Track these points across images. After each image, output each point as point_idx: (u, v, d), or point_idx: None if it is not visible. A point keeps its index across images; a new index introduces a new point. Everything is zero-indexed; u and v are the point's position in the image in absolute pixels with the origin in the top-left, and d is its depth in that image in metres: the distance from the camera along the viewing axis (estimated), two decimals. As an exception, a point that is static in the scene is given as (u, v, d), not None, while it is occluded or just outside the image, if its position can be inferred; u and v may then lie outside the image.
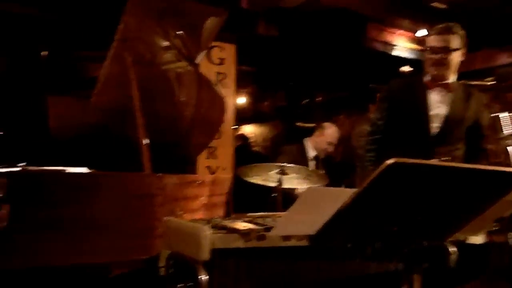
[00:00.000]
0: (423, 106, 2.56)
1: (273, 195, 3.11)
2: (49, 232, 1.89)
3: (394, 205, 1.39)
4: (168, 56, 3.13)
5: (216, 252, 1.55)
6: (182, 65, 3.19)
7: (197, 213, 2.58)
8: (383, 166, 1.22)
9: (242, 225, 1.68)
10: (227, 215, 2.94)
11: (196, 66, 3.34)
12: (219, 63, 4.11)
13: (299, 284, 1.66)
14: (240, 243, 1.57)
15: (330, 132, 3.92)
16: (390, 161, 1.20)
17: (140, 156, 2.37)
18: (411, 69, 5.38)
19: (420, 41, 5.45)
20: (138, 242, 2.15)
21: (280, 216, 1.90)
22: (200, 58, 3.28)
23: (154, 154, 2.67)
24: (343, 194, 1.28)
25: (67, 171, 2.13)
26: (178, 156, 3.24)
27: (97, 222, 2.03)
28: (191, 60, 3.24)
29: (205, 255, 1.50)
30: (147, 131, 2.59)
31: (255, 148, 7.27)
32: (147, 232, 2.16)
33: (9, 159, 2.56)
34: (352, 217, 1.44)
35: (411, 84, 2.67)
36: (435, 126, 2.54)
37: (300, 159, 3.70)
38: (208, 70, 3.97)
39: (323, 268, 1.75)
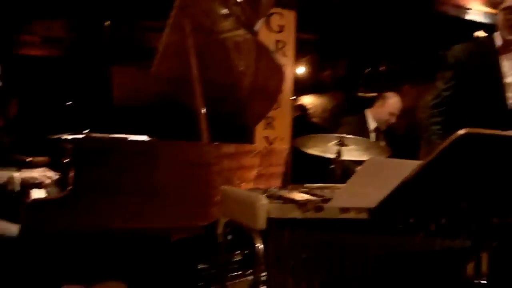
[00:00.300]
0: (496, 74, 2.37)
1: (331, 166, 3.05)
2: (112, 197, 1.97)
3: (463, 179, 1.31)
4: (227, 24, 3.10)
5: (272, 222, 1.55)
6: (240, 33, 3.14)
7: (254, 183, 2.59)
8: (454, 136, 1.14)
9: (299, 195, 1.66)
10: (284, 186, 2.94)
11: (255, 34, 3.29)
12: (278, 31, 4.02)
13: (356, 258, 1.62)
14: (297, 214, 1.56)
15: (392, 102, 3.75)
16: (462, 132, 1.12)
17: (198, 125, 2.39)
18: (486, 34, 5.00)
19: (496, 4, 5.02)
20: (196, 209, 2.19)
21: (339, 188, 1.85)
22: (259, 26, 3.22)
23: (212, 123, 2.69)
24: (407, 166, 1.21)
25: (128, 139, 2.19)
26: (236, 126, 3.24)
27: (157, 188, 2.09)
28: (250, 28, 3.19)
29: (261, 224, 1.50)
30: (205, 100, 2.59)
31: (314, 119, 7.17)
32: (204, 199, 2.19)
33: (77, 127, 2.69)
34: (416, 191, 1.37)
35: (480, 50, 2.47)
36: (510, 95, 2.35)
37: (360, 130, 3.58)
38: (267, 37, 3.90)
39: (382, 243, 1.70)
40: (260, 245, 1.50)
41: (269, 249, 1.58)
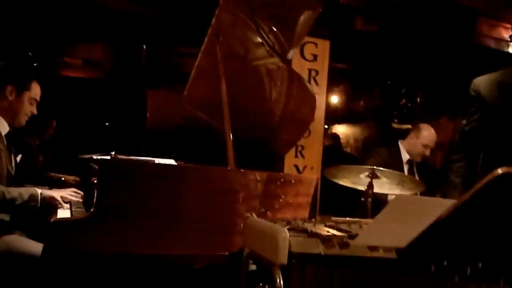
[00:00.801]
0: None
1: (362, 199, 2.95)
2: (135, 220, 1.94)
3: (501, 219, 1.21)
4: (261, 51, 3.11)
5: (295, 256, 1.48)
6: (274, 61, 3.15)
7: (281, 212, 2.52)
8: (492, 175, 1.06)
9: (324, 230, 1.59)
10: (311, 217, 2.85)
11: (288, 62, 3.29)
12: (312, 60, 4.01)
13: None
14: (320, 249, 1.48)
15: (426, 134, 3.62)
16: (501, 170, 1.04)
17: (225, 151, 2.37)
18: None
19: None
20: (220, 237, 2.14)
21: (367, 224, 1.77)
22: (292, 54, 3.22)
23: (242, 150, 2.66)
24: (437, 205, 1.13)
25: (154, 162, 2.18)
26: (266, 153, 3.21)
27: (182, 213, 2.06)
28: (283, 56, 3.19)
29: (283, 258, 1.43)
30: (236, 126, 2.57)
31: (346, 149, 7.06)
32: (229, 227, 2.14)
33: (109, 148, 2.71)
34: (450, 232, 1.28)
35: (505, 79, 2.34)
36: None
37: (393, 162, 3.47)
38: (300, 66, 3.90)
39: (413, 285, 1.59)
40: (280, 281, 1.42)
41: (291, 285, 1.51)
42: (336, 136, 5.56)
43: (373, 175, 2.87)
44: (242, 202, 2.18)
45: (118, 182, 1.90)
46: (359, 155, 6.50)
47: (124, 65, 6.27)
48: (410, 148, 3.65)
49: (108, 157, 2.09)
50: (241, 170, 2.26)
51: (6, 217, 2.13)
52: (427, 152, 3.63)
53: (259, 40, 3.02)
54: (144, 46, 5.55)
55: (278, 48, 3.16)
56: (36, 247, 1.93)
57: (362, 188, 2.96)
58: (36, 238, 2.02)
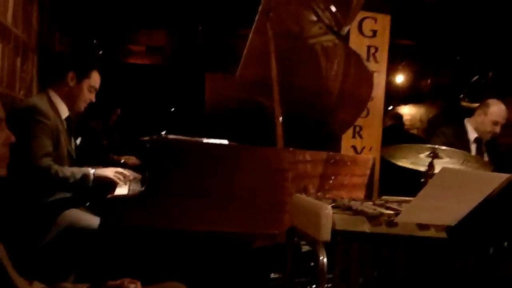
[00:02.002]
0: None
1: (422, 180, 2.82)
2: (185, 198, 2.00)
3: None
4: (316, 29, 3.05)
5: (339, 234, 1.45)
6: (329, 39, 3.07)
7: (332, 193, 2.48)
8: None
9: (371, 208, 1.54)
10: (368, 198, 2.78)
11: (344, 39, 3.19)
12: (371, 36, 3.85)
13: (434, 280, 1.46)
14: (366, 227, 1.44)
15: (495, 109, 3.36)
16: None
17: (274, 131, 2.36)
18: None
19: None
20: (270, 215, 2.16)
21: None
22: (346, 30, 3.12)
23: (298, 130, 2.63)
24: (490, 179, 1.04)
25: (202, 141, 2.22)
26: (323, 133, 3.16)
27: (233, 192, 2.09)
28: (339, 33, 3.11)
29: (326, 235, 1.41)
30: (290, 106, 2.55)
31: (413, 131, 6.77)
32: (278, 206, 2.15)
33: (172, 131, 2.79)
34: (507, 209, 1.19)
35: None
36: None
37: (459, 142, 3.27)
38: (358, 43, 3.75)
39: (470, 268, 1.50)
40: (323, 258, 1.40)
41: (335, 264, 1.48)
42: (398, 116, 5.29)
43: (434, 155, 2.73)
44: (292, 181, 2.17)
45: (167, 160, 1.97)
46: (426, 137, 6.21)
47: (183, 49, 6.41)
48: (478, 126, 3.42)
49: (156, 137, 2.15)
50: (290, 149, 2.24)
51: (67, 194, 2.26)
52: (497, 129, 3.38)
53: (314, 17, 2.96)
54: (200, 28, 5.62)
55: (334, 25, 3.08)
56: (95, 221, 2.04)
57: (423, 168, 2.83)
58: (96, 213, 2.13)
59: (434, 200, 1.17)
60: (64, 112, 2.37)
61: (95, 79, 2.45)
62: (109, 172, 2.24)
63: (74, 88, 2.37)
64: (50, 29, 3.85)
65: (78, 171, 2.17)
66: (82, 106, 2.43)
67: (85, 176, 2.17)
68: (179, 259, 2.04)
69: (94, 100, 2.47)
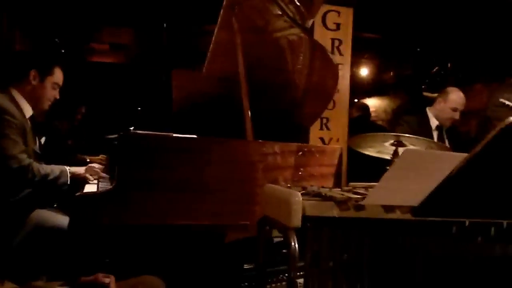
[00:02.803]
0: None
1: (387, 168, 2.91)
2: (156, 192, 2.00)
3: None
4: (281, 23, 3.08)
5: (309, 220, 1.48)
6: (295, 32, 3.11)
7: (303, 183, 2.52)
8: (503, 123, 1.03)
9: (339, 193, 1.58)
10: (337, 187, 2.84)
11: (309, 32, 3.23)
12: (334, 29, 3.93)
13: (403, 263, 1.51)
14: (335, 212, 1.48)
15: (454, 97, 3.50)
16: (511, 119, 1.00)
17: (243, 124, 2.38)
18: None
19: None
20: (241, 207, 2.18)
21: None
22: (310, 23, 3.17)
23: (266, 123, 2.66)
24: (451, 158, 1.10)
25: (174, 135, 2.23)
26: (291, 126, 3.20)
27: (204, 185, 2.11)
28: (304, 26, 3.15)
29: (296, 221, 1.44)
30: (257, 100, 2.58)
31: (378, 122, 6.92)
32: (249, 197, 2.18)
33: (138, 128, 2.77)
34: (467, 188, 1.24)
35: None
36: None
37: (421, 130, 3.39)
38: (322, 36, 3.82)
39: (433, 247, 1.57)
40: (294, 244, 1.44)
41: (306, 249, 1.52)
42: (364, 107, 5.41)
43: (399, 143, 2.82)
44: (262, 173, 2.20)
45: (137, 155, 1.96)
46: (391, 128, 6.37)
47: (148, 47, 6.35)
48: (438, 113, 3.55)
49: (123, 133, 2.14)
50: (259, 141, 2.27)
51: (37, 193, 2.22)
52: (457, 116, 3.52)
53: (278, 11, 2.99)
54: (165, 25, 5.58)
55: (299, 19, 3.12)
56: (64, 220, 2.02)
57: (388, 156, 2.92)
58: (65, 212, 2.11)
59: (398, 181, 1.22)
60: (28, 111, 2.33)
61: (58, 75, 2.42)
62: (82, 169, 2.23)
63: (37, 87, 2.34)
64: (9, 29, 3.75)
65: (56, 168, 2.17)
66: (46, 104, 2.40)
67: (63, 173, 2.16)
68: (153, 254, 2.04)
69: (58, 97, 2.45)
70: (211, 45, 2.82)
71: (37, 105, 2.37)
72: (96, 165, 2.37)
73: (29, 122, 2.32)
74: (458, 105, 3.51)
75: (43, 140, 2.56)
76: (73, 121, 4.68)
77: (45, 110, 2.43)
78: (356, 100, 5.86)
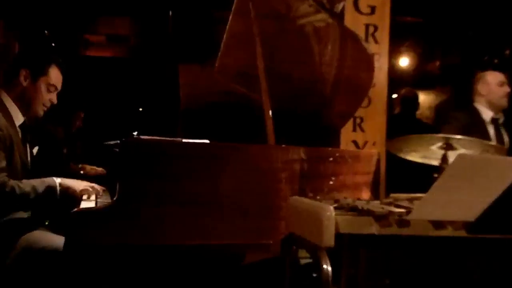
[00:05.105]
0: None
1: (435, 175, 2.88)
2: (164, 207, 2.01)
3: None
4: (305, 7, 3.09)
5: (344, 238, 1.48)
6: (321, 18, 3.12)
7: (335, 195, 2.51)
8: None
9: (378, 207, 1.58)
10: (375, 198, 2.82)
11: (338, 18, 3.23)
12: (369, 13, 3.90)
13: (452, 285, 1.50)
14: (374, 229, 1.47)
15: (491, 75, 3.64)
16: None
17: (264, 126, 2.38)
18: None
19: None
20: (263, 223, 2.18)
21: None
22: (341, 7, 3.17)
23: (290, 125, 2.66)
24: (508, 165, 1.09)
25: (182, 141, 2.24)
26: (319, 127, 3.20)
27: (219, 199, 2.11)
28: (331, 11, 3.16)
29: (328, 240, 1.44)
30: (279, 97, 2.59)
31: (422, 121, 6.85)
32: (271, 211, 2.18)
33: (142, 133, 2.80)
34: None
35: None
36: None
37: (474, 125, 3.36)
38: (354, 21, 3.79)
39: (496, 269, 1.55)
40: (327, 267, 1.43)
41: (341, 273, 1.51)
42: (408, 98, 5.15)
43: (448, 146, 2.78)
44: (286, 183, 2.20)
45: (141, 165, 1.98)
46: (435, 125, 6.31)
47: (150, 38, 6.41)
48: (488, 99, 3.58)
49: (126, 139, 2.16)
50: (282, 146, 2.27)
51: (25, 214, 2.25)
52: (508, 89, 3.57)
53: (303, -6, 3.00)
54: (170, 13, 5.63)
55: (326, 2, 3.12)
56: (59, 241, 2.05)
57: (436, 162, 2.89)
58: (60, 232, 2.13)
59: (450, 193, 1.21)
60: (18, 118, 2.33)
61: (55, 75, 2.39)
62: (77, 184, 2.24)
63: (28, 88, 2.32)
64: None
65: (40, 184, 2.16)
66: (39, 109, 2.38)
67: (50, 188, 2.17)
68: (159, 279, 2.05)
69: (55, 101, 2.43)
70: (225, 36, 2.84)
71: (29, 110, 2.35)
72: (96, 186, 2.38)
73: (19, 132, 2.33)
74: (501, 78, 3.61)
75: (35, 150, 2.57)
76: (69, 127, 4.68)
77: (38, 116, 2.41)
78: (394, 96, 5.80)
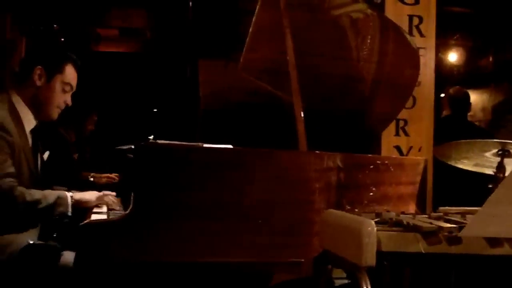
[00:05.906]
0: None
1: (489, 186, 2.85)
2: (184, 220, 2.03)
3: None
4: (342, -4, 3.11)
5: (387, 257, 1.48)
6: (359, 8, 3.13)
7: (376, 208, 2.50)
8: None
9: (426, 221, 1.57)
10: (421, 211, 2.80)
11: (379, 8, 3.23)
12: (413, 3, 3.90)
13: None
14: (421, 247, 1.46)
15: None
16: None
17: (295, 130, 2.39)
18: None
19: None
20: (293, 239, 2.18)
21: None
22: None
23: (324, 129, 2.66)
24: None
25: (205, 146, 2.26)
26: (357, 131, 3.20)
27: (243, 210, 2.12)
28: (371, 0, 3.16)
29: (369, 259, 1.43)
30: (312, 97, 2.59)
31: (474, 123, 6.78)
32: (303, 226, 2.17)
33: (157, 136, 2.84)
34: None
35: None
36: None
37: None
38: (397, 12, 3.80)
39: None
40: (367, 288, 1.43)
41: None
42: (460, 99, 5.05)
43: (504, 152, 2.75)
44: (320, 194, 2.20)
45: (157, 172, 2.00)
46: (490, 129, 6.24)
47: (168, 31, 6.47)
48: None
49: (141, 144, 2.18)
50: (315, 152, 2.26)
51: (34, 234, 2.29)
52: None
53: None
54: (190, 3, 5.68)
55: (364, -10, 3.14)
56: (68, 256, 2.08)
57: (490, 171, 2.86)
58: (67, 246, 2.17)
59: (507, 207, 1.20)
60: (30, 122, 2.36)
61: (71, 74, 2.42)
62: (90, 196, 2.28)
63: (43, 89, 2.33)
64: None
65: (50, 194, 2.20)
66: (54, 112, 2.41)
67: (61, 200, 2.19)
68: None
69: (70, 103, 2.45)
70: (251, 28, 2.86)
71: (42, 114, 2.38)
72: (111, 196, 2.40)
73: (29, 139, 2.36)
74: None
75: (46, 155, 2.61)
76: (82, 131, 4.70)
77: (52, 119, 2.44)
78: (442, 95, 5.74)
